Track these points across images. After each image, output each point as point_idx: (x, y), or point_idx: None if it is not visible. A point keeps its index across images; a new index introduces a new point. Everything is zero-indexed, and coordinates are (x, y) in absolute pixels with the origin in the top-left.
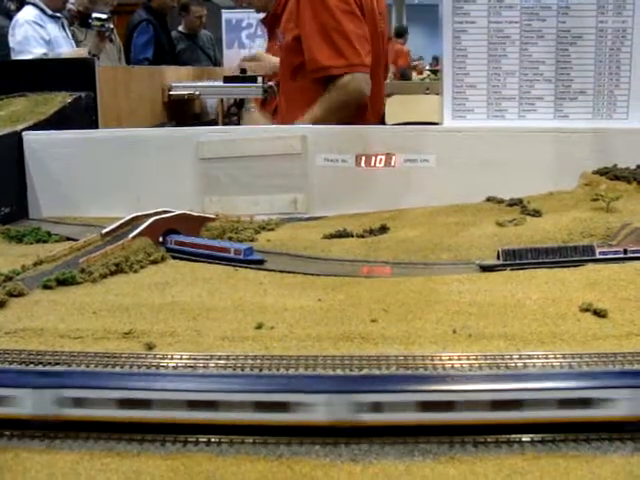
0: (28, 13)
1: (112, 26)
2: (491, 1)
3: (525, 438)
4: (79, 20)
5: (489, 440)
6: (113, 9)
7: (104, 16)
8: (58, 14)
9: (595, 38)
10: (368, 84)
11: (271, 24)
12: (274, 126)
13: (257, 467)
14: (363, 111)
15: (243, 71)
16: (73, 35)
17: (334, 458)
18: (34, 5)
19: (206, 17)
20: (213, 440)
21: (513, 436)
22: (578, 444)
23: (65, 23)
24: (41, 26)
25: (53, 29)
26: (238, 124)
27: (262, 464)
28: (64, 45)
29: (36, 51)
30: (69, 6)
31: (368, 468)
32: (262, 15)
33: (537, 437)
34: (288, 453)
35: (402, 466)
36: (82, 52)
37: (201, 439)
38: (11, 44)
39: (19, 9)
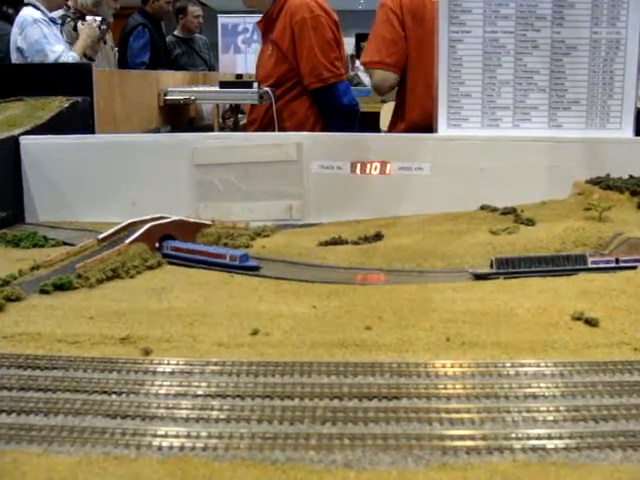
0: (34, 12)
1: (106, 27)
2: (486, 11)
3: (516, 445)
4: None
5: (481, 447)
6: (115, 12)
7: (98, 18)
8: (55, 16)
9: (589, 49)
10: (383, 80)
11: (266, 27)
12: (270, 133)
13: (252, 472)
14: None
15: (239, 76)
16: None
17: (328, 464)
18: (33, 6)
19: (202, 21)
20: (210, 445)
21: (505, 443)
22: (568, 452)
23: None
24: (50, 25)
25: (56, 31)
26: (234, 129)
27: (257, 469)
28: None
29: (57, 49)
30: (70, 3)
31: (362, 474)
32: (257, 19)
33: (528, 444)
34: (283, 458)
35: (395, 472)
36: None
37: (198, 444)
38: (21, 44)
39: (17, 12)
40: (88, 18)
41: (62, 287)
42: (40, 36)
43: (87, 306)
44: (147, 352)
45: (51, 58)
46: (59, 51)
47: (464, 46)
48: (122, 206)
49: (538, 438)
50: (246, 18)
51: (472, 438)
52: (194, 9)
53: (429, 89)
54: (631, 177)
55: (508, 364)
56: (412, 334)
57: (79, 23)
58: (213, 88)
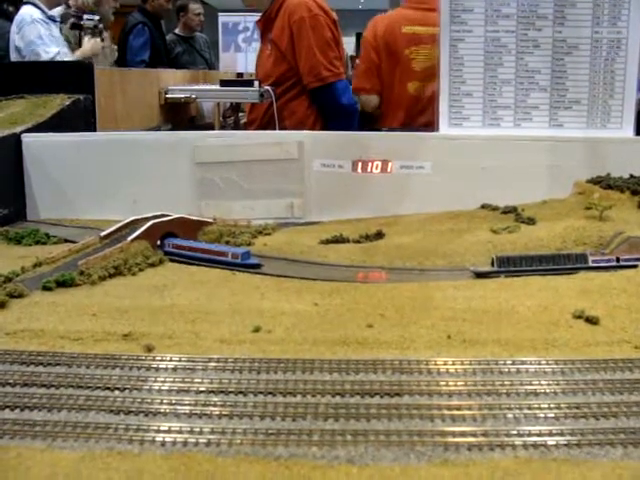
0: (33, 11)
1: (102, 26)
2: (488, 10)
3: (518, 442)
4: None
5: (482, 443)
6: (115, 11)
7: (96, 17)
8: (55, 14)
9: (590, 48)
10: (367, 103)
11: (264, 26)
12: (271, 132)
13: (256, 468)
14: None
15: (240, 75)
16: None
17: (331, 459)
18: (33, 5)
19: (203, 19)
20: (213, 441)
21: (506, 440)
22: (569, 448)
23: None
24: (48, 25)
25: (54, 30)
26: (234, 128)
27: (261, 465)
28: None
29: (51, 50)
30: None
31: (364, 469)
32: (258, 17)
33: (530, 441)
34: (286, 454)
35: (398, 468)
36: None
37: (201, 440)
38: (18, 44)
39: (18, 10)
40: (86, 20)
41: (64, 284)
42: (36, 36)
43: (89, 303)
44: (149, 349)
45: (44, 59)
46: (53, 52)
47: (465, 45)
48: (123, 204)
49: (539, 435)
50: (247, 17)
51: (474, 435)
52: (195, 7)
53: (394, 109)
54: (632, 176)
55: (509, 361)
56: (413, 332)
57: (85, 38)
58: (214, 86)
